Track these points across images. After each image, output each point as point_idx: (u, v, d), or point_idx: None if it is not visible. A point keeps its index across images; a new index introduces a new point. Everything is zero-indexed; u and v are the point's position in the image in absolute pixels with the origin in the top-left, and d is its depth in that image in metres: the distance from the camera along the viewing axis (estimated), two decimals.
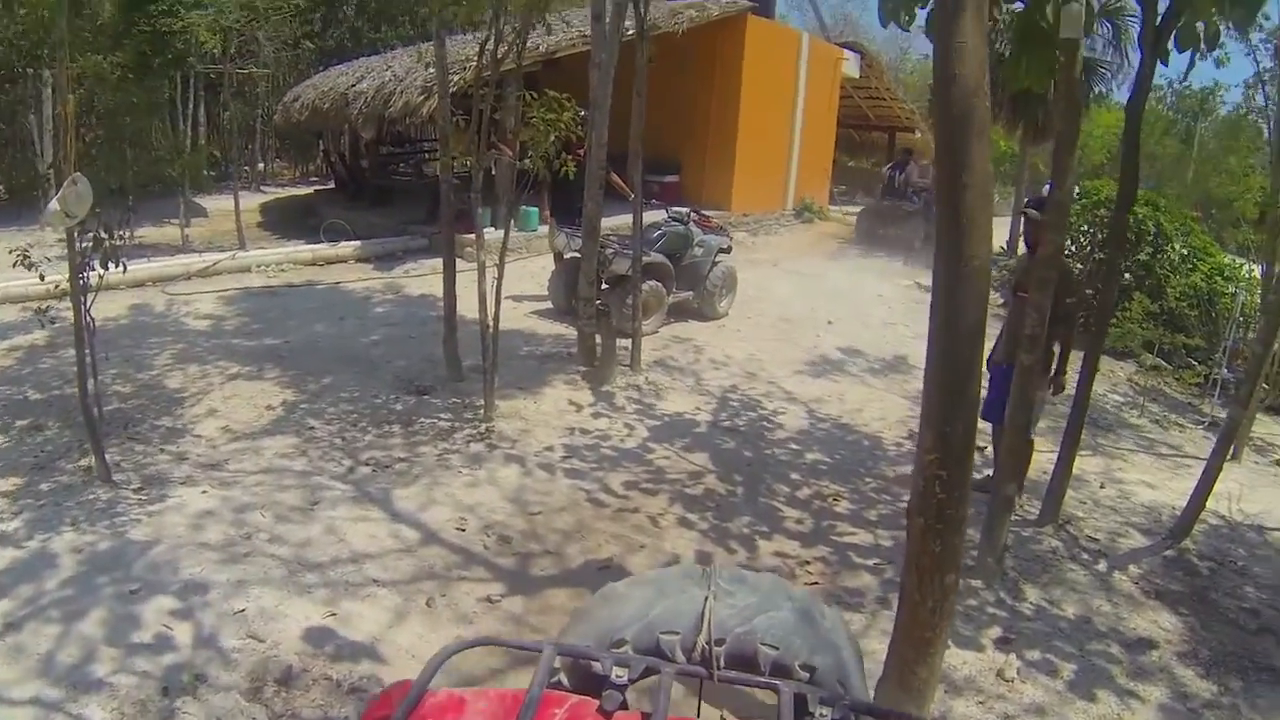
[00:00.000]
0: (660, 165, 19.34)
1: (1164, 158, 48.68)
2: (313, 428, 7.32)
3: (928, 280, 13.75)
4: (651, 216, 11.78)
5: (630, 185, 9.26)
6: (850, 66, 23.06)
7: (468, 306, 8.70)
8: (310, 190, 22.62)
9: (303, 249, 14.30)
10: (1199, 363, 12.56)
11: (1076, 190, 16.93)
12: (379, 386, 8.32)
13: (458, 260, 8.95)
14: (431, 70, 11.95)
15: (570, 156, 7.63)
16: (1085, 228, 14.55)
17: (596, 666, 1.83)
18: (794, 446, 7.88)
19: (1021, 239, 6.69)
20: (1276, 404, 11.37)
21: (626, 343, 9.43)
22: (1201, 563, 6.58)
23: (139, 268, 12.00)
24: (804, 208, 21.59)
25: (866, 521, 6.54)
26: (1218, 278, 13.86)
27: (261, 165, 25.57)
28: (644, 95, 8.59)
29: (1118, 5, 18.55)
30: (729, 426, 8.18)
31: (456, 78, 12.38)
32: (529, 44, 13.99)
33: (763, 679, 1.95)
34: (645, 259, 10.04)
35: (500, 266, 7.54)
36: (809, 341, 11.42)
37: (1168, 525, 7.07)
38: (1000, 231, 22.37)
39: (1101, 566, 6.26)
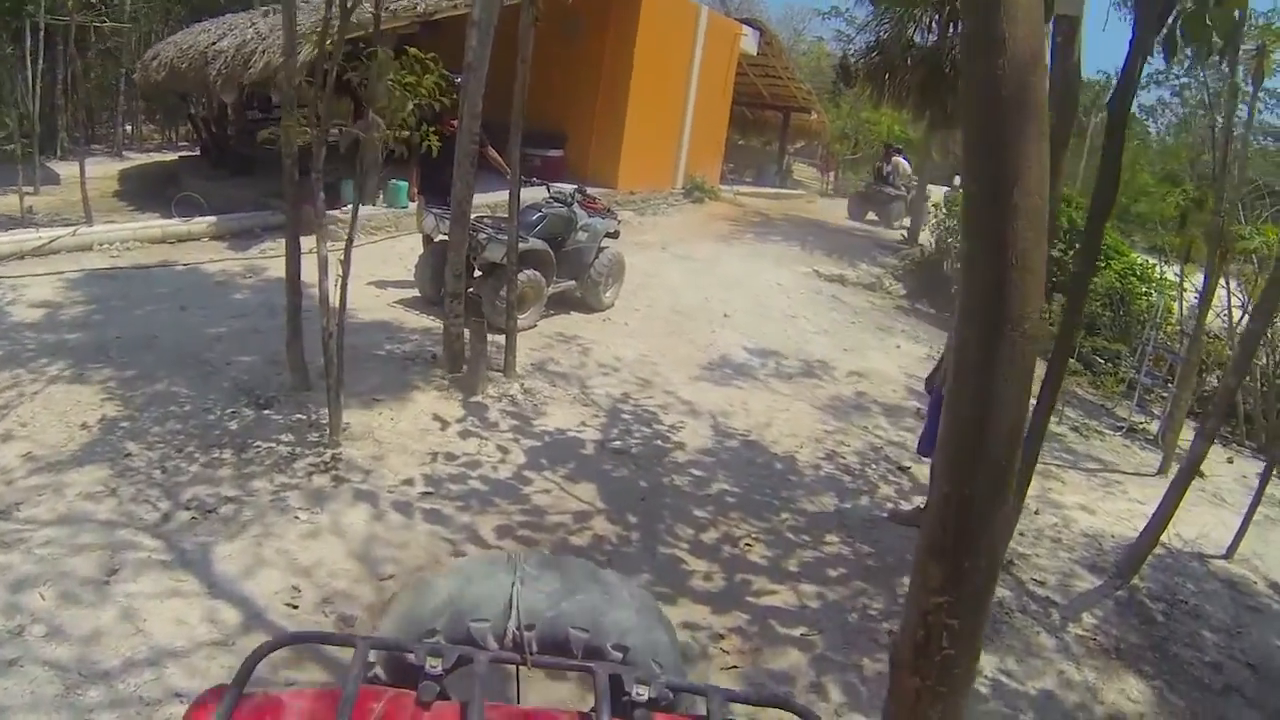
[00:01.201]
0: (543, 138, 18.19)
1: None
2: (129, 455, 6.02)
3: (827, 269, 12.96)
4: (531, 195, 10.72)
5: (509, 161, 8.08)
6: (748, 43, 22.07)
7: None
8: (175, 157, 20.85)
9: (152, 225, 12.74)
10: (1106, 361, 12.07)
11: None
12: (215, 396, 7.04)
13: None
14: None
15: (436, 129, 6.48)
16: None
17: (411, 658, 1.80)
18: (696, 473, 6.85)
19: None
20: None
21: (501, 340, 8.27)
22: (1154, 605, 6.04)
23: None
24: (694, 187, 20.54)
25: (787, 574, 5.57)
26: (1131, 278, 13.48)
27: (129, 128, 23.60)
28: (528, 61, 7.40)
29: None
30: (620, 448, 7.07)
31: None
32: (406, 1, 12.75)
33: (576, 662, 1.99)
34: (523, 245, 8.96)
35: (346, 257, 6.23)
36: (705, 338, 10.45)
37: (1111, 557, 6.54)
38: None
39: (1055, 618, 5.60)
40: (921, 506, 6.37)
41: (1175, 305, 12.61)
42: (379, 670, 2.04)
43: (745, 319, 11.51)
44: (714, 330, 10.78)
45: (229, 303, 9.71)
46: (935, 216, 15.67)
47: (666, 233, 16.70)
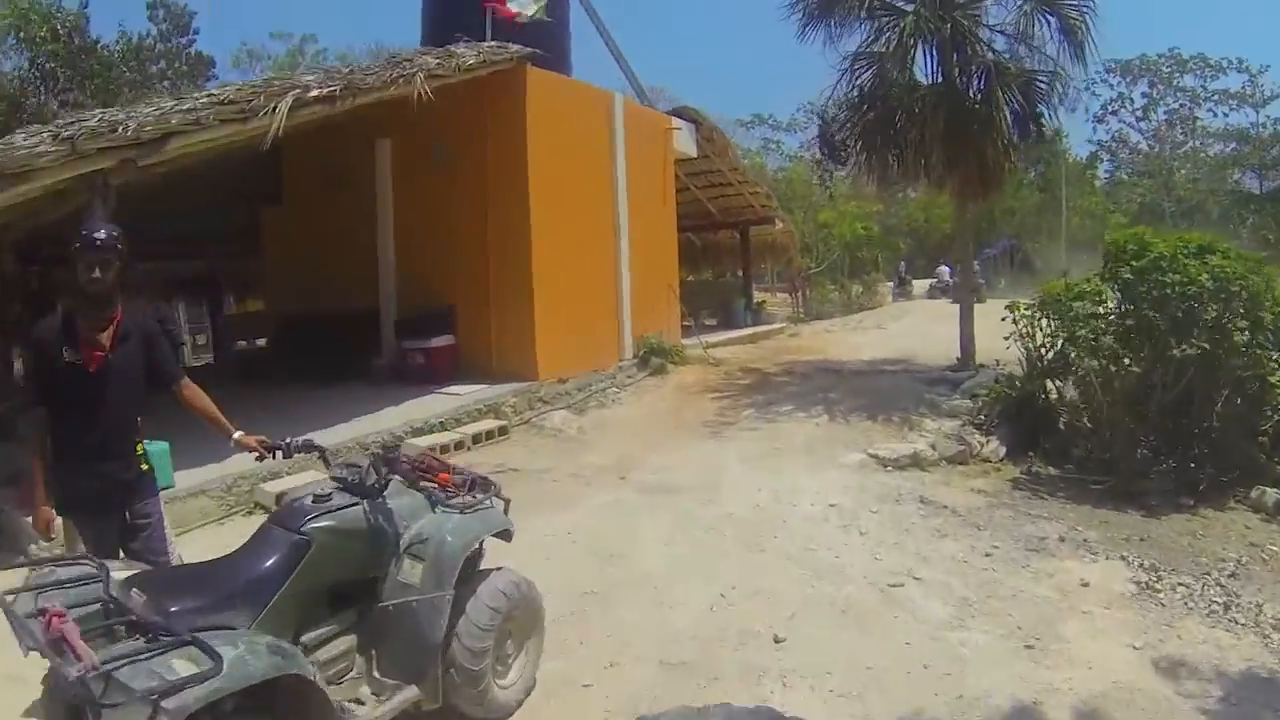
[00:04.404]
0: (423, 321, 12.34)
1: (1023, 209, 45.47)
2: None
3: (885, 448, 9.54)
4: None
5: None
6: (684, 141, 16.48)
7: None
8: None
9: None
10: None
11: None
12: None
13: None
14: None
15: None
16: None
17: None
18: None
19: None
20: None
21: None
22: None
23: None
24: (650, 351, 14.52)
25: None
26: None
27: None
28: None
29: None
30: None
31: None
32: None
33: None
34: (230, 652, 2.94)
35: None
36: None
37: None
38: (943, 330, 15.76)
39: None
40: None
41: None
42: None
43: (816, 636, 5.41)
44: (772, 700, 4.56)
45: None
46: (1019, 324, 9.69)
47: (622, 440, 10.50)
